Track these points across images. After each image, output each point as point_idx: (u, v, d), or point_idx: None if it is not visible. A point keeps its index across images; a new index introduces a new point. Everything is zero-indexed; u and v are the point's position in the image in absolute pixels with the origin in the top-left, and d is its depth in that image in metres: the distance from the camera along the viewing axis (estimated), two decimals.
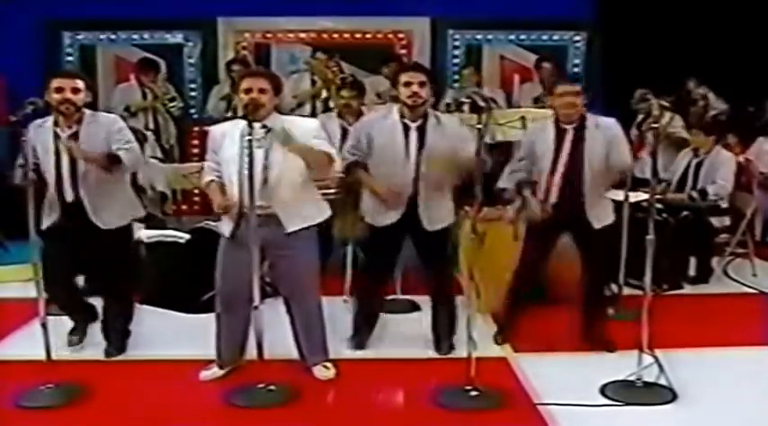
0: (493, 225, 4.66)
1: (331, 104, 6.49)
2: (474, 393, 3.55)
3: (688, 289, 5.54)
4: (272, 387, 3.58)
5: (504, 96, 7.62)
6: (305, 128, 3.71)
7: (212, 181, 3.78)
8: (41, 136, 3.86)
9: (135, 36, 7.94)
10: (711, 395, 3.61)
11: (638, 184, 4.73)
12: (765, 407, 3.51)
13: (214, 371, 3.85)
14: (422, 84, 3.92)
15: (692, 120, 6.43)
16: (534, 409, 3.51)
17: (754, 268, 5.93)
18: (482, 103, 3.58)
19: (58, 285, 3.95)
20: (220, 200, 3.67)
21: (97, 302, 4.31)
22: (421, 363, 4.08)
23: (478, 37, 8.17)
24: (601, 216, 4.07)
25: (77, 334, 4.23)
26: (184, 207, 7.15)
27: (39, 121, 3.89)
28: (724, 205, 5.73)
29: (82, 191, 3.89)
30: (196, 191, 6.56)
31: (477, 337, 3.65)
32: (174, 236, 5.13)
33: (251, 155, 3.44)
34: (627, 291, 4.66)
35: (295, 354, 3.94)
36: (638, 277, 3.77)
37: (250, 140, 3.43)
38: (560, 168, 4.06)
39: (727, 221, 5.77)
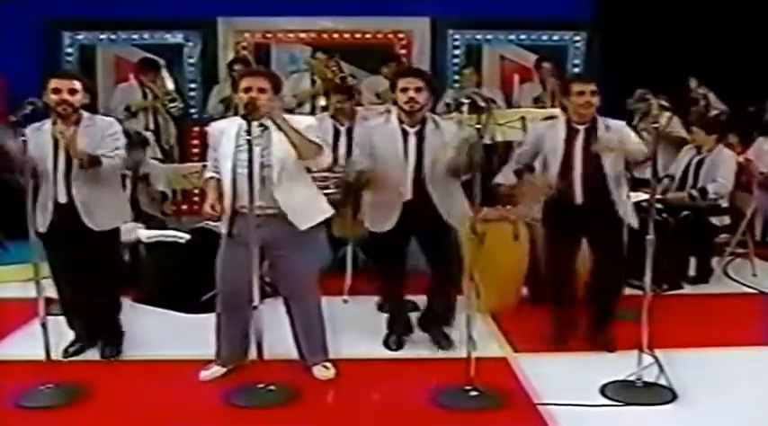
0: (493, 225, 4.67)
1: (323, 103, 6.53)
2: (474, 393, 3.54)
3: (688, 289, 5.54)
4: (272, 387, 3.58)
5: (503, 96, 7.62)
6: (300, 122, 3.72)
7: (210, 178, 3.82)
8: (39, 138, 3.84)
9: (135, 36, 7.94)
10: (711, 395, 3.61)
11: (638, 184, 4.73)
12: (765, 407, 3.50)
13: (214, 371, 3.85)
14: (418, 90, 3.94)
15: (693, 119, 6.42)
16: (534, 409, 3.51)
17: (754, 268, 5.93)
18: (482, 104, 3.58)
19: (67, 289, 4.02)
20: (209, 203, 3.72)
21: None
22: (421, 363, 4.08)
23: (478, 37, 8.18)
24: (629, 212, 4.08)
25: (75, 348, 4.16)
26: (184, 207, 7.16)
27: (36, 124, 3.88)
28: (724, 205, 5.72)
29: (74, 192, 3.89)
30: (196, 191, 6.56)
31: (477, 337, 3.65)
32: (174, 236, 5.13)
33: (251, 154, 3.45)
34: (627, 291, 4.64)
35: (295, 354, 3.94)
36: (638, 277, 3.76)
37: (249, 140, 3.43)
38: (578, 169, 4.04)
39: (727, 221, 5.77)
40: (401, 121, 4.02)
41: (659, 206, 5.13)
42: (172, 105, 7.16)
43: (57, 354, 3.88)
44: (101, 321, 4.16)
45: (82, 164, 3.80)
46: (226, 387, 3.69)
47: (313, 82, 6.95)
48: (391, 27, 8.03)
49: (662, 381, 3.62)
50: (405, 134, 4.01)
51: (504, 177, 5.64)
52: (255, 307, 3.56)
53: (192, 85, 8.05)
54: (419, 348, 4.25)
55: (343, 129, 5.65)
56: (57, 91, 3.79)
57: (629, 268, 4.11)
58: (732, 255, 6.12)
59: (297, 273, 3.79)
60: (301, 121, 3.74)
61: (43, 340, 3.61)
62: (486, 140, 5.51)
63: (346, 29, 7.99)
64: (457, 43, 8.17)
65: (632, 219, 4.09)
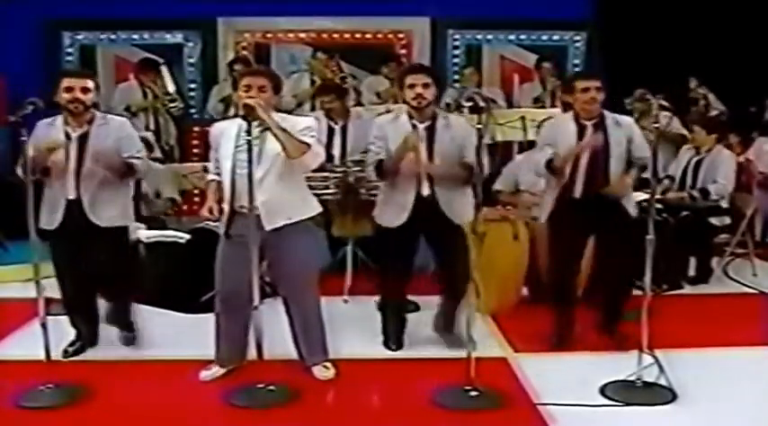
0: (493, 225, 4.67)
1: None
2: (474, 393, 3.54)
3: (688, 289, 5.54)
4: (272, 387, 3.58)
5: (504, 96, 7.62)
6: (295, 122, 3.70)
7: (211, 181, 3.83)
8: (51, 134, 3.88)
9: (135, 36, 7.96)
10: (711, 395, 3.61)
11: (638, 184, 4.73)
12: (765, 407, 3.50)
13: (214, 371, 3.85)
14: (426, 86, 3.97)
15: (693, 119, 6.43)
16: (534, 409, 3.50)
17: (754, 268, 5.93)
18: (482, 104, 3.58)
19: (71, 283, 4.03)
20: (207, 206, 3.74)
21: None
22: (421, 363, 4.08)
23: (478, 37, 8.19)
24: (631, 208, 4.10)
25: (75, 348, 4.16)
26: (184, 207, 7.15)
27: (48, 120, 3.94)
28: (724, 205, 5.73)
29: (83, 189, 3.91)
30: (196, 191, 6.56)
31: (477, 337, 3.65)
32: (174, 236, 5.13)
33: (250, 154, 3.45)
34: None
35: (295, 354, 3.93)
36: (639, 277, 3.76)
37: (249, 140, 3.43)
38: (582, 163, 4.04)
39: (727, 221, 5.77)
40: (411, 117, 4.05)
41: (659, 206, 5.13)
42: (172, 105, 7.16)
43: (57, 354, 3.88)
44: (116, 314, 4.23)
45: (121, 174, 3.92)
46: (226, 387, 3.69)
47: (313, 82, 6.94)
48: (391, 27, 8.04)
49: (662, 381, 3.62)
50: (415, 130, 4.03)
51: (502, 183, 5.65)
52: (255, 307, 3.56)
53: (192, 85, 8.07)
54: (419, 348, 4.25)
55: (337, 128, 5.66)
56: (69, 89, 3.83)
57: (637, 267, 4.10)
58: (732, 255, 6.13)
59: (295, 273, 3.79)
60: (300, 122, 3.73)
61: (43, 340, 3.60)
62: (487, 140, 5.52)
63: (346, 29, 7.99)
64: (457, 43, 8.18)
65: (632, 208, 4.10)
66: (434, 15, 7.94)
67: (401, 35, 8.09)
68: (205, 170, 4.51)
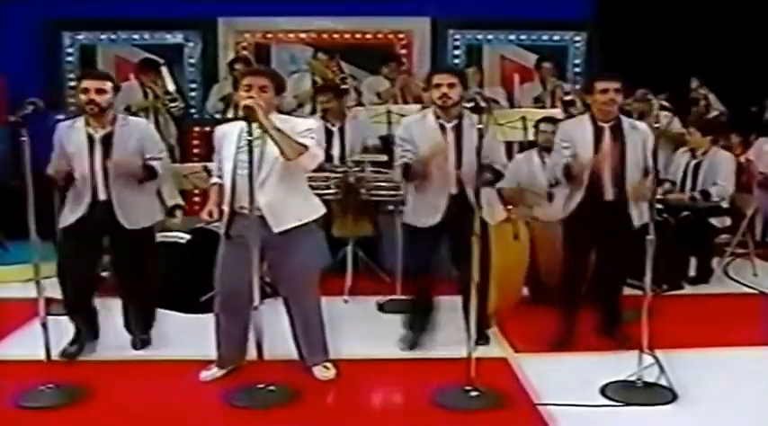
0: (493, 224, 4.66)
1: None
2: (474, 393, 3.54)
3: (688, 289, 5.55)
4: (272, 387, 3.58)
5: (506, 95, 7.62)
6: (295, 123, 3.70)
7: (214, 184, 3.84)
8: (73, 136, 3.95)
9: (135, 36, 7.95)
10: (711, 395, 3.61)
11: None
12: (765, 407, 3.50)
13: (214, 372, 3.85)
14: (451, 86, 4.01)
15: (692, 120, 6.43)
16: (534, 409, 3.51)
17: (754, 268, 5.94)
18: (483, 104, 3.59)
19: (73, 284, 4.03)
20: (208, 208, 3.76)
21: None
22: (421, 363, 4.08)
23: (479, 37, 8.18)
24: (643, 214, 4.07)
25: (75, 347, 4.16)
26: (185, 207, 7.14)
27: (68, 122, 4.04)
28: (725, 205, 5.73)
29: (112, 190, 3.96)
30: (196, 191, 6.56)
31: (477, 337, 3.64)
32: (174, 236, 5.13)
33: (251, 155, 3.45)
34: (627, 291, 4.65)
35: (295, 354, 3.93)
36: (639, 277, 3.76)
37: (250, 142, 3.43)
38: (606, 168, 4.03)
39: (727, 221, 5.77)
40: (437, 117, 4.08)
41: (659, 206, 5.13)
42: (172, 105, 7.15)
43: (57, 354, 3.88)
44: (140, 317, 4.27)
45: (141, 179, 3.99)
46: (226, 388, 3.69)
47: (314, 82, 6.94)
48: (391, 27, 8.04)
49: (662, 381, 3.62)
50: (443, 129, 4.06)
51: (504, 182, 5.63)
52: (256, 308, 3.56)
53: (193, 85, 8.06)
54: (419, 348, 4.25)
55: (335, 129, 5.66)
56: (86, 91, 3.89)
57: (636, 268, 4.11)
58: (732, 255, 6.13)
59: (296, 274, 3.79)
60: (301, 123, 3.73)
61: (43, 340, 3.61)
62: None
63: (346, 29, 7.99)
64: (457, 43, 8.18)
65: (644, 217, 4.05)
66: (435, 15, 7.96)
67: (401, 35, 8.09)
68: (205, 170, 4.51)
